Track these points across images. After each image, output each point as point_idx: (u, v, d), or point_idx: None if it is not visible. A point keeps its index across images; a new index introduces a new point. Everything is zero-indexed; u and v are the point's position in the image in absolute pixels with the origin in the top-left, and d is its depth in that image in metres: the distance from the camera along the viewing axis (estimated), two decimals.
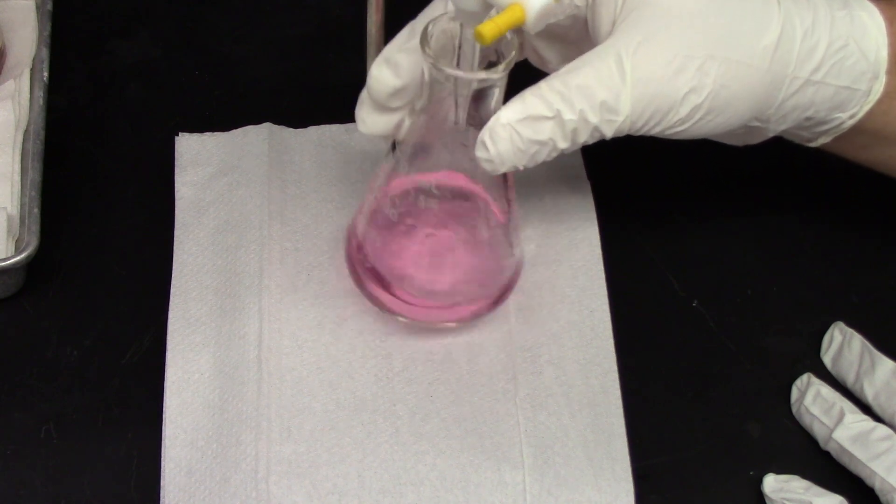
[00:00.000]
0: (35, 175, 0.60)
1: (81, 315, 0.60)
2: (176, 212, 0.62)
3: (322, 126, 0.65)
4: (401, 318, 0.57)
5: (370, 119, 0.54)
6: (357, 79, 0.61)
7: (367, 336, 0.58)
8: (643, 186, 0.65)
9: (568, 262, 0.61)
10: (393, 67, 0.53)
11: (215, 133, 0.65)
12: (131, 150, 0.66)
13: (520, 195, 0.57)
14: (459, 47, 0.50)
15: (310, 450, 0.55)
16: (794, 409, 0.57)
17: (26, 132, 0.64)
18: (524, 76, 0.53)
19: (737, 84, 0.51)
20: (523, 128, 0.50)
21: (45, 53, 0.65)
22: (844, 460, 0.54)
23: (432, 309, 0.57)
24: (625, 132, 0.51)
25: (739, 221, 0.64)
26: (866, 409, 0.56)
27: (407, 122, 0.54)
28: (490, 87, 0.50)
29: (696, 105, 0.51)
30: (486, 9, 0.48)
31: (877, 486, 0.53)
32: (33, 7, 0.69)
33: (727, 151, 0.58)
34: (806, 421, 0.57)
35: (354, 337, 0.58)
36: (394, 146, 0.55)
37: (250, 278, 0.59)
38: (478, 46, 0.50)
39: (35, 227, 0.59)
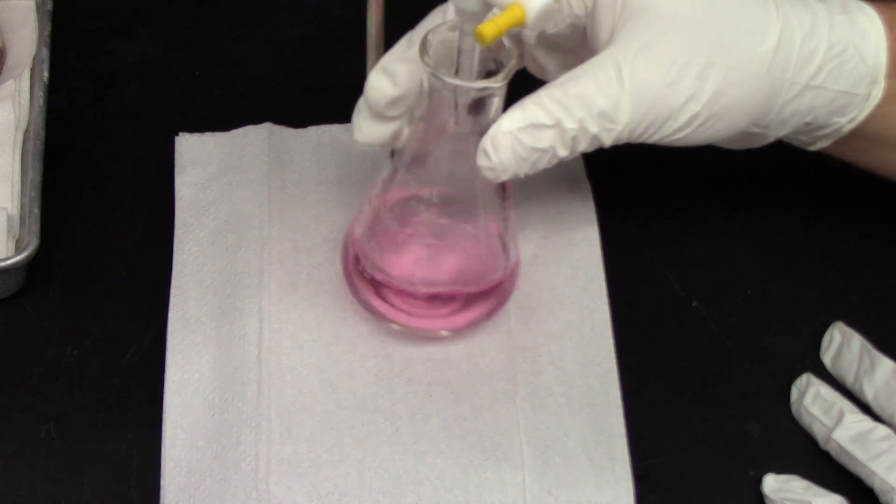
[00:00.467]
0: (35, 175, 0.60)
1: (81, 315, 0.60)
2: (176, 212, 0.62)
3: (322, 126, 0.65)
4: (395, 327, 0.57)
5: (367, 127, 0.55)
6: (357, 79, 0.61)
7: (367, 336, 0.58)
8: (643, 186, 0.65)
9: (568, 262, 0.61)
10: (391, 76, 0.53)
11: (215, 133, 0.65)
12: (131, 150, 0.66)
13: (519, 195, 0.57)
14: (459, 55, 0.50)
15: (310, 450, 0.55)
16: (793, 409, 0.57)
17: (26, 132, 0.64)
18: (523, 84, 0.53)
19: (735, 90, 0.51)
20: (524, 136, 0.50)
21: (45, 53, 0.65)
22: (844, 460, 0.54)
23: (427, 318, 0.57)
24: (623, 140, 0.51)
25: (739, 221, 0.64)
26: (866, 408, 0.56)
27: (406, 131, 0.54)
28: (490, 96, 0.50)
29: (695, 113, 0.51)
30: (486, 9, 0.48)
31: (876, 485, 0.53)
32: (33, 7, 0.69)
33: (727, 152, 0.58)
34: (805, 421, 0.57)
35: (354, 337, 0.58)
36: (392, 155, 0.55)
37: (250, 278, 0.59)
38: (477, 54, 0.50)
39: (35, 227, 0.59)
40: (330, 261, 0.60)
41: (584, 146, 0.51)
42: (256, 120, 0.65)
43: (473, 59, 0.50)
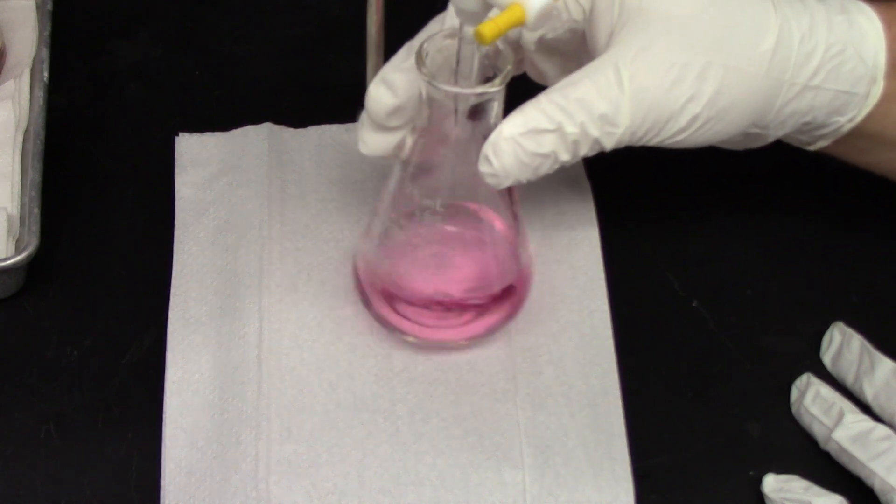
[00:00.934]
0: (35, 175, 0.60)
1: (81, 315, 0.60)
2: (176, 212, 0.62)
3: (322, 126, 0.65)
4: (410, 339, 0.57)
5: (371, 139, 0.55)
6: (357, 79, 0.61)
7: (367, 336, 0.58)
8: (643, 186, 0.65)
9: (568, 262, 0.61)
10: (390, 86, 0.53)
11: (215, 133, 0.65)
12: (131, 150, 0.66)
13: (519, 195, 0.57)
14: (457, 62, 0.50)
15: (310, 450, 0.55)
16: (793, 409, 0.57)
17: (26, 132, 0.64)
18: (523, 90, 0.53)
19: (735, 91, 0.51)
20: (526, 141, 0.50)
21: (45, 53, 0.65)
22: (844, 460, 0.54)
23: (441, 329, 0.57)
24: (625, 143, 0.52)
25: (739, 221, 0.64)
26: (866, 409, 0.56)
27: (409, 141, 0.54)
28: (489, 102, 0.50)
29: (696, 114, 0.51)
30: (486, 9, 0.48)
31: (876, 486, 0.53)
32: (33, 7, 0.69)
33: (727, 152, 0.58)
34: (805, 421, 0.57)
35: (354, 337, 0.58)
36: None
37: (250, 278, 0.59)
38: (476, 60, 0.50)
39: (35, 227, 0.59)
40: (330, 261, 0.60)
41: (585, 150, 0.51)
42: (256, 120, 0.65)
43: (473, 66, 0.50)
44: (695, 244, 0.63)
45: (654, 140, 0.52)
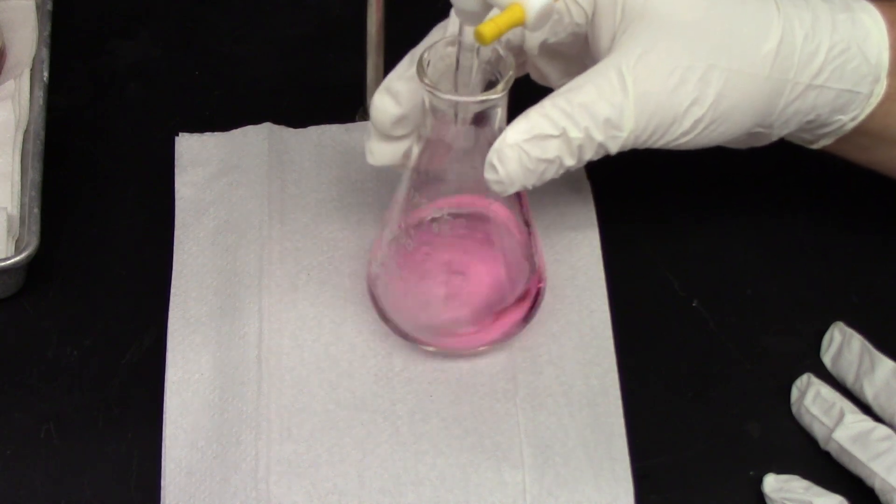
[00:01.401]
0: (35, 175, 0.60)
1: (81, 315, 0.60)
2: (176, 212, 0.62)
3: (322, 126, 0.65)
4: (429, 349, 0.57)
5: (377, 149, 0.55)
6: (357, 79, 0.61)
7: (367, 336, 0.58)
8: (643, 186, 0.65)
9: (568, 262, 0.61)
10: (393, 96, 0.53)
11: (215, 133, 0.65)
12: (131, 150, 0.66)
13: None
14: (457, 69, 0.50)
15: (310, 450, 0.55)
16: (794, 409, 0.57)
17: (26, 132, 0.64)
18: (527, 93, 0.53)
19: (738, 93, 0.51)
20: (530, 147, 0.50)
21: (45, 53, 0.65)
22: (844, 460, 0.54)
23: (461, 337, 0.57)
24: (629, 146, 0.52)
25: (739, 221, 0.64)
26: (866, 409, 0.56)
27: (415, 150, 0.54)
28: (492, 108, 0.50)
29: (699, 117, 0.51)
30: (486, 9, 0.48)
31: (877, 486, 0.53)
32: (33, 7, 0.69)
33: (727, 151, 0.58)
34: (806, 421, 0.57)
35: (354, 337, 0.58)
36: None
37: (250, 278, 0.59)
38: (476, 67, 0.50)
39: (35, 227, 0.59)
40: (330, 261, 0.60)
41: (590, 154, 0.51)
42: (256, 120, 0.65)
43: (473, 73, 0.50)
44: (695, 244, 0.63)
45: (659, 143, 0.52)
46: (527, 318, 0.57)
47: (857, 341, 0.57)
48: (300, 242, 0.61)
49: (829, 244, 0.64)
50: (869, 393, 0.56)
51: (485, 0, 0.48)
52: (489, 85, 0.51)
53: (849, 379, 0.57)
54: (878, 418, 0.55)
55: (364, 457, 0.54)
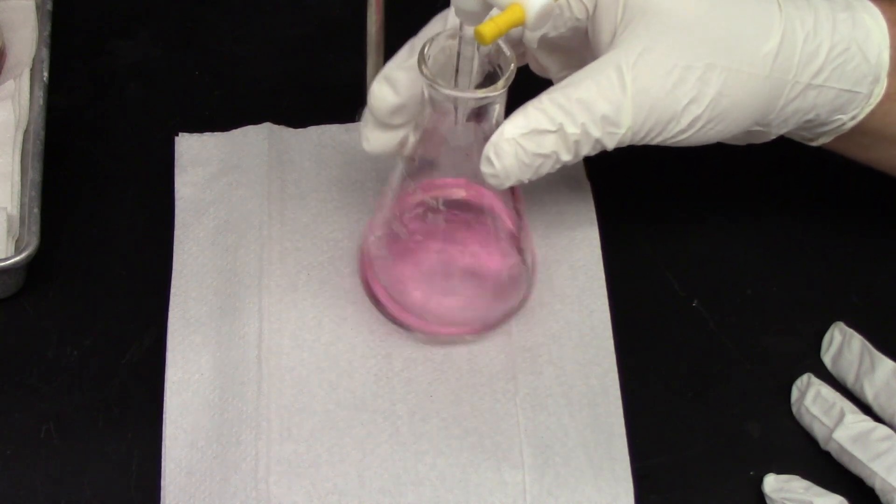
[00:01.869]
0: (35, 175, 0.60)
1: (81, 315, 0.60)
2: (176, 212, 0.62)
3: (322, 126, 0.65)
4: (418, 334, 0.57)
5: (374, 136, 0.55)
6: (357, 79, 0.61)
7: (367, 336, 0.58)
8: (643, 186, 0.65)
9: (568, 262, 0.61)
10: (392, 85, 0.53)
11: (215, 133, 0.65)
12: (131, 150, 0.66)
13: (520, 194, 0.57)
14: (458, 62, 0.50)
15: (310, 450, 0.55)
16: (794, 409, 0.57)
17: (26, 132, 0.64)
18: (525, 85, 0.53)
19: (737, 92, 0.51)
20: (527, 142, 0.50)
21: (45, 53, 0.65)
22: (844, 460, 0.54)
23: (448, 324, 0.57)
24: (626, 143, 0.52)
25: (739, 221, 0.64)
26: (866, 409, 0.56)
27: (411, 139, 0.54)
28: (490, 104, 0.50)
29: (697, 115, 0.51)
30: (486, 9, 0.48)
31: (877, 486, 0.53)
32: (33, 7, 0.69)
33: (727, 151, 0.58)
34: (806, 421, 0.57)
35: (354, 337, 0.58)
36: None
37: (250, 278, 0.59)
38: (476, 60, 0.50)
39: (35, 227, 0.59)
40: (330, 261, 0.60)
41: (587, 150, 0.51)
42: (256, 120, 0.65)
43: (473, 66, 0.50)
44: (695, 244, 0.63)
45: (656, 140, 0.52)
46: (513, 311, 0.57)
47: (857, 341, 0.57)
48: (300, 242, 0.61)
49: (829, 244, 0.64)
50: (869, 393, 0.56)
51: (485, 0, 0.48)
52: (488, 77, 0.51)
53: (849, 379, 0.57)
54: (878, 418, 0.55)
55: (364, 457, 0.54)
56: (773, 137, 0.56)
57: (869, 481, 0.53)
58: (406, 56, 0.53)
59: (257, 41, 0.71)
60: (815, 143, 0.57)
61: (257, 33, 0.72)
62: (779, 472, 0.55)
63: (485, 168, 0.51)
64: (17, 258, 0.58)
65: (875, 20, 0.54)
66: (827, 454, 0.55)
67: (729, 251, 0.63)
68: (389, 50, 0.55)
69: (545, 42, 0.55)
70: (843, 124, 0.55)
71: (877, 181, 0.60)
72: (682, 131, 0.52)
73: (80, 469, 0.55)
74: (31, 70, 0.66)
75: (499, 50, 0.50)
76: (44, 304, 0.60)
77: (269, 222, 0.61)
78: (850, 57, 0.53)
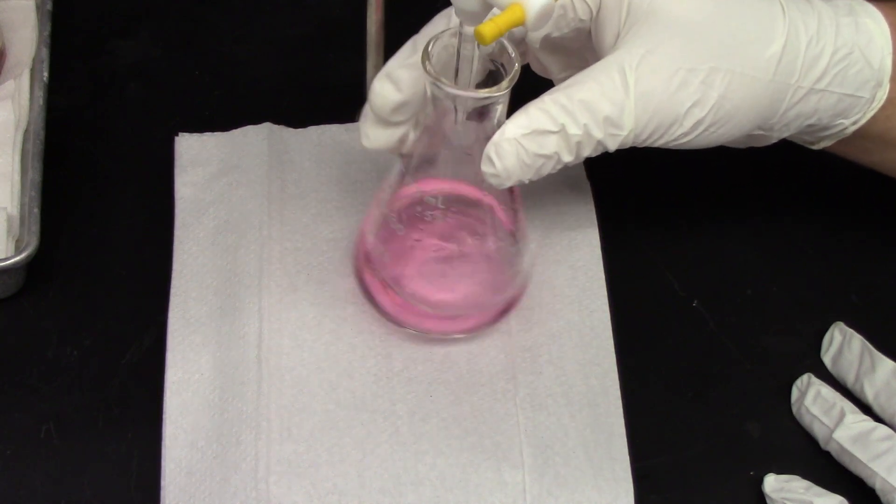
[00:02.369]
0: (35, 175, 0.60)
1: (81, 315, 0.60)
2: (176, 212, 0.62)
3: (322, 126, 0.65)
4: (411, 330, 0.57)
5: (373, 133, 0.55)
6: (357, 79, 0.61)
7: (366, 336, 0.58)
8: (643, 187, 0.65)
9: (568, 262, 0.61)
10: (394, 82, 0.53)
11: (215, 133, 0.65)
12: (131, 150, 0.66)
13: (519, 195, 0.57)
14: (458, 60, 0.50)
15: (310, 450, 0.55)
16: (794, 409, 0.57)
17: (26, 132, 0.63)
18: (528, 85, 0.53)
19: (740, 95, 0.51)
20: (528, 142, 0.50)
21: (45, 53, 0.65)
22: (845, 460, 0.54)
23: (442, 320, 0.57)
24: (628, 145, 0.52)
25: (739, 221, 0.64)
26: (867, 409, 0.56)
27: (412, 136, 0.54)
28: (493, 103, 0.50)
29: (700, 118, 0.51)
30: (486, 9, 0.48)
31: (877, 486, 0.53)
32: (33, 7, 0.69)
33: (727, 152, 0.58)
34: (806, 421, 0.57)
35: (354, 337, 0.58)
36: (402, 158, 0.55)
37: (250, 278, 0.59)
38: (477, 59, 0.50)
39: (35, 227, 0.59)
40: (330, 261, 0.60)
41: (588, 151, 0.51)
42: (256, 120, 0.65)
43: (473, 65, 0.50)
44: (695, 244, 0.63)
45: (658, 142, 0.52)
46: (508, 310, 0.57)
47: (857, 341, 0.57)
48: (300, 242, 0.61)
49: (829, 244, 0.64)
50: (869, 393, 0.56)
51: (485, 0, 0.48)
52: (491, 75, 0.51)
53: (849, 379, 0.57)
54: (878, 418, 0.55)
55: (364, 457, 0.54)
56: (775, 141, 0.56)
57: (869, 481, 0.53)
58: (408, 54, 0.53)
59: (257, 41, 0.71)
60: (816, 147, 0.57)
61: (257, 33, 0.72)
62: (779, 472, 0.55)
63: (485, 168, 0.51)
64: (17, 258, 0.58)
65: (878, 24, 0.53)
66: (827, 454, 0.55)
67: (729, 251, 0.63)
68: (389, 49, 0.55)
69: (547, 42, 0.55)
70: (845, 128, 0.55)
71: (877, 182, 0.60)
72: (685, 134, 0.52)
73: (80, 469, 0.55)
74: (31, 70, 0.66)
75: (502, 49, 0.50)
76: (44, 304, 0.60)
77: (269, 222, 0.61)
78: (852, 61, 0.53)
